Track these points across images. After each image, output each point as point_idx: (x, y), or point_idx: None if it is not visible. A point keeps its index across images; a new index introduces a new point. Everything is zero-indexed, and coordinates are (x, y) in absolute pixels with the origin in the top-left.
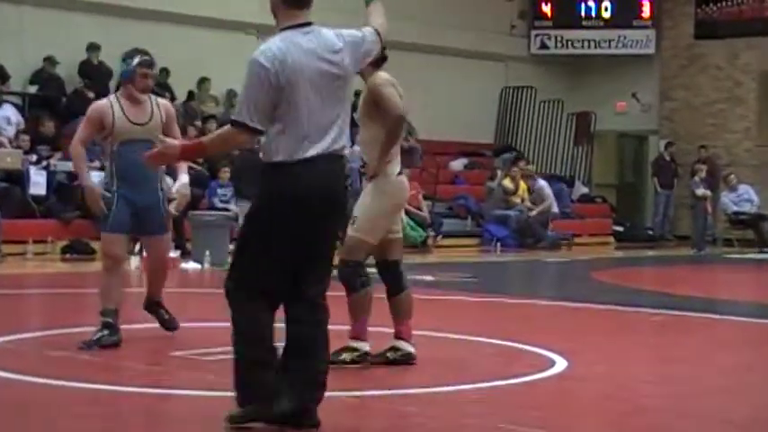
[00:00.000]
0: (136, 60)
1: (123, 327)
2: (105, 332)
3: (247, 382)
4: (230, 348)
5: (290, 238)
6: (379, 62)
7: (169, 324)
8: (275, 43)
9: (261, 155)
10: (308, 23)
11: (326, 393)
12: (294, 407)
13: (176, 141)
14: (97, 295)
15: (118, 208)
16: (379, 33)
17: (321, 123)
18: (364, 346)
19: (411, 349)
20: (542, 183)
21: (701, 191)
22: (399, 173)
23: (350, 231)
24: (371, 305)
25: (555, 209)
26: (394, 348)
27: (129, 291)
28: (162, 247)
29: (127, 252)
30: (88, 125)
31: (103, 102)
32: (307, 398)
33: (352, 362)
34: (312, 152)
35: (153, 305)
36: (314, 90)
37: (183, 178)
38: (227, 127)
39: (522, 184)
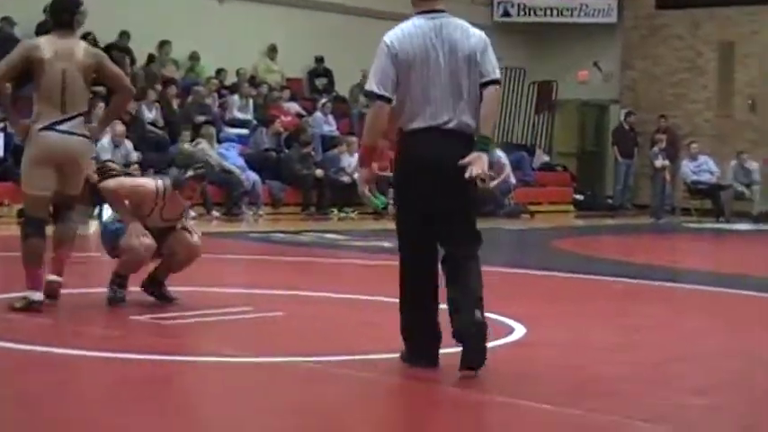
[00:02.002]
0: (189, 173)
1: (85, 291)
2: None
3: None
4: (192, 314)
5: (411, 197)
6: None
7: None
8: (402, 26)
9: None
10: (439, 11)
11: (285, 359)
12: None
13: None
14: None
15: None
16: (497, 82)
17: (432, 99)
18: (34, 295)
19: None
20: (500, 153)
21: (659, 162)
22: (44, 128)
23: None
24: (41, 258)
25: (512, 179)
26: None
27: (89, 255)
28: None
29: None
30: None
31: (151, 188)
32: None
33: (22, 309)
34: (419, 125)
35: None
36: (430, 68)
37: None
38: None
39: None
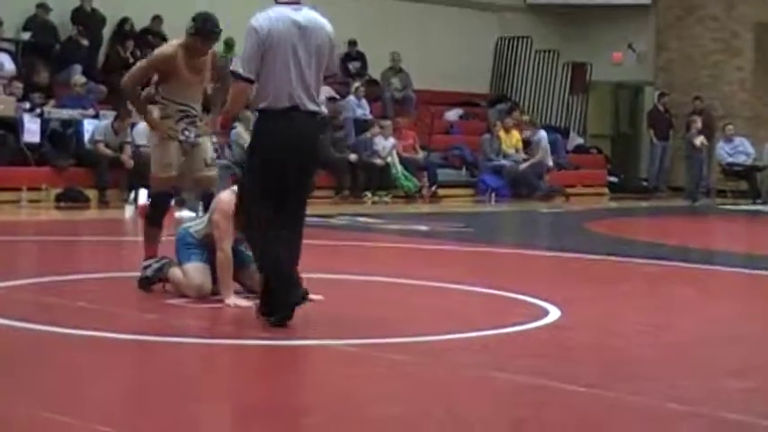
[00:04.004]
0: None
1: (122, 274)
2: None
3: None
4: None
5: (271, 168)
6: None
7: None
8: (267, 12)
9: None
10: (297, 2)
11: (321, 342)
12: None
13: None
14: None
15: None
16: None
17: (288, 83)
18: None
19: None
20: (542, 134)
21: (699, 140)
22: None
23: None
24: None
25: (549, 162)
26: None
27: (125, 239)
28: None
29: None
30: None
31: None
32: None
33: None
34: (276, 105)
35: None
36: (290, 55)
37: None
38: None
39: (516, 134)
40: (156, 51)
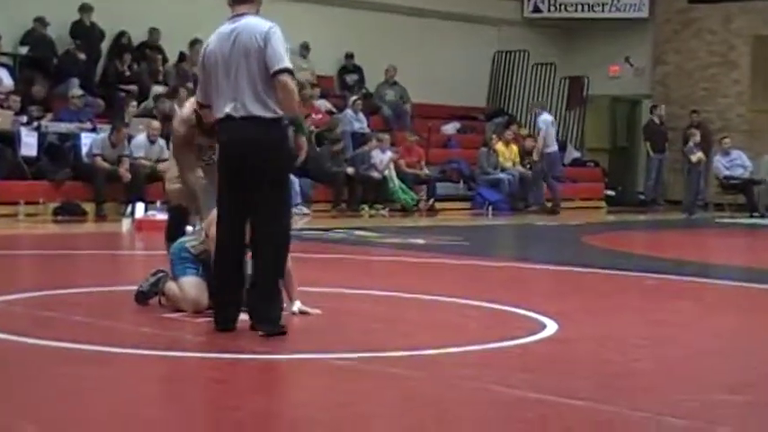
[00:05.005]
0: None
1: (118, 288)
2: None
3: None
4: None
5: (223, 173)
6: None
7: None
8: (215, 32)
9: None
10: (241, 14)
11: (316, 356)
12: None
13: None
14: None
15: None
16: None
17: (221, 93)
18: None
19: None
20: (542, 117)
21: (695, 156)
22: None
23: None
24: None
25: (554, 146)
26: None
27: (122, 253)
28: None
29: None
30: None
31: None
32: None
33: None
34: (218, 115)
35: None
36: (221, 67)
37: None
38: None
39: (514, 148)
40: None
